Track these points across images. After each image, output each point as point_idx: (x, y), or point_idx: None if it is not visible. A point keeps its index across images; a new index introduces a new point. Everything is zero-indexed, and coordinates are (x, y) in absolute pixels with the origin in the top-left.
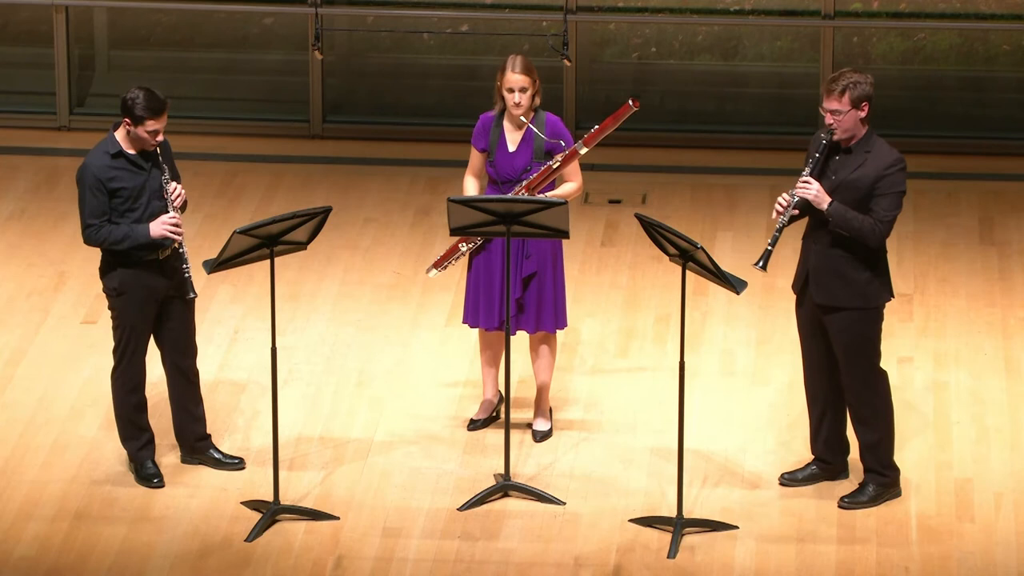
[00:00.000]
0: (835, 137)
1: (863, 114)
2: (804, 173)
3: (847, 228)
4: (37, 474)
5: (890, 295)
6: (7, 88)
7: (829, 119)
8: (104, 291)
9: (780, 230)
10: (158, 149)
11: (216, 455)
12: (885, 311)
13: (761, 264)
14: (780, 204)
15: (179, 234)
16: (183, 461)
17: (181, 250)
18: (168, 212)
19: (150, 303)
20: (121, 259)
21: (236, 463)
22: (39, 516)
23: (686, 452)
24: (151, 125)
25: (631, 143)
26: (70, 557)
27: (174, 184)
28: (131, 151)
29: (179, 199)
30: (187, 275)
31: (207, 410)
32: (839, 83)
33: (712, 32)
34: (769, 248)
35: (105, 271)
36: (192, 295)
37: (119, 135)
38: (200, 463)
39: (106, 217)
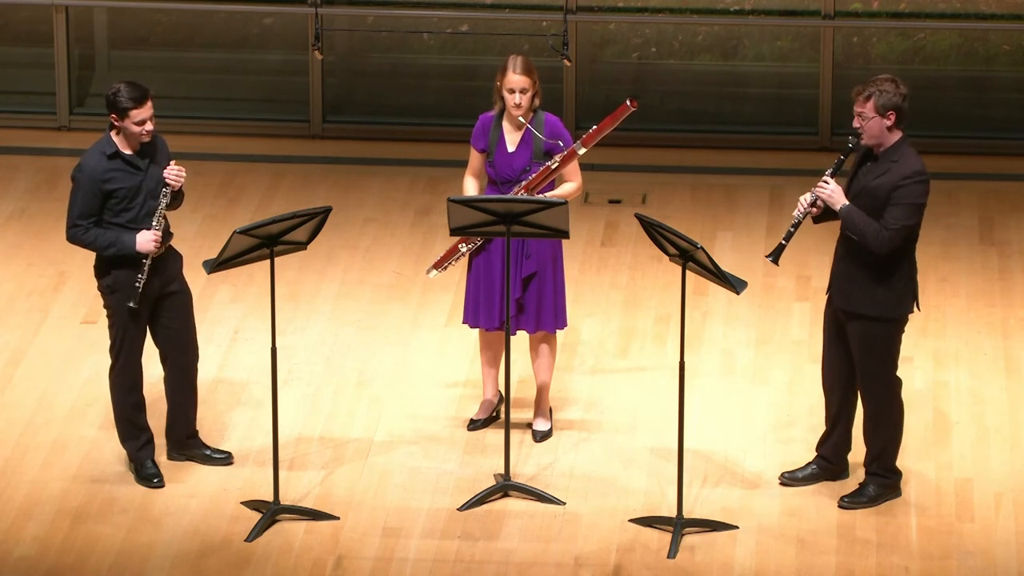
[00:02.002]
0: (861, 142)
1: (889, 123)
2: (826, 174)
3: (853, 231)
4: (37, 474)
5: (913, 307)
6: (7, 88)
7: (856, 122)
8: (99, 289)
9: (796, 226)
10: (159, 150)
11: (204, 451)
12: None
13: (772, 257)
14: (803, 203)
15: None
16: (169, 458)
17: (145, 260)
18: (155, 225)
19: (143, 301)
20: (115, 257)
21: (224, 457)
22: (39, 516)
23: (686, 452)
24: (136, 115)
25: (631, 143)
26: (70, 557)
27: (175, 169)
28: (127, 151)
29: (178, 180)
30: (137, 285)
31: (207, 410)
32: (867, 89)
33: (712, 32)
34: (783, 243)
35: (99, 269)
36: (132, 305)
37: (114, 135)
38: (188, 459)
39: (94, 219)
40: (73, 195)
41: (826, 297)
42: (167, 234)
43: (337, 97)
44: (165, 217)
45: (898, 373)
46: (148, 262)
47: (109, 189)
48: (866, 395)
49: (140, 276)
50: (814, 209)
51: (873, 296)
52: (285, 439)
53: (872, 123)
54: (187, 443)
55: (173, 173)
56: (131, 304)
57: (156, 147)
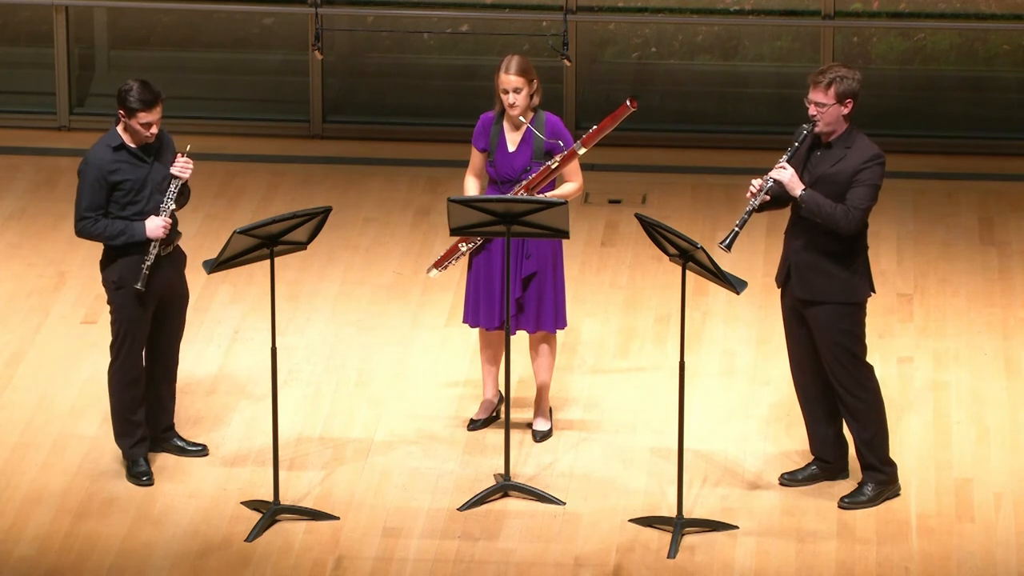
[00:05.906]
0: (816, 129)
1: (846, 110)
2: (782, 160)
3: (819, 214)
4: (37, 474)
5: (871, 291)
6: (7, 88)
7: (812, 110)
8: (103, 284)
9: (749, 213)
10: (166, 146)
11: (179, 443)
12: (884, 310)
13: (726, 244)
14: (753, 186)
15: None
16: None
17: (152, 247)
18: (163, 212)
19: (150, 298)
20: (122, 252)
21: (199, 450)
22: (39, 516)
23: (686, 452)
24: (143, 117)
25: (631, 143)
26: (70, 557)
27: (186, 159)
28: (132, 144)
29: (187, 170)
30: (143, 268)
31: (207, 410)
32: (826, 76)
33: (712, 32)
34: (736, 229)
35: (105, 264)
36: (139, 287)
37: (120, 129)
38: (163, 451)
39: (101, 211)
40: (80, 188)
41: (779, 291)
42: (175, 232)
43: (337, 97)
44: (175, 215)
45: (898, 373)
46: (155, 249)
47: (115, 180)
48: (840, 385)
49: (147, 259)
50: (767, 196)
51: (836, 282)
52: (285, 439)
53: (831, 110)
54: (162, 436)
55: (180, 164)
56: (138, 286)
57: (163, 143)
